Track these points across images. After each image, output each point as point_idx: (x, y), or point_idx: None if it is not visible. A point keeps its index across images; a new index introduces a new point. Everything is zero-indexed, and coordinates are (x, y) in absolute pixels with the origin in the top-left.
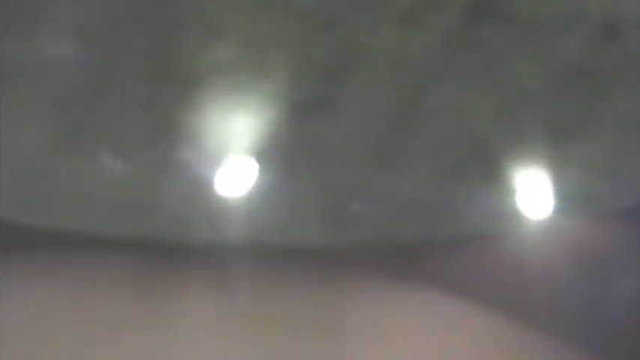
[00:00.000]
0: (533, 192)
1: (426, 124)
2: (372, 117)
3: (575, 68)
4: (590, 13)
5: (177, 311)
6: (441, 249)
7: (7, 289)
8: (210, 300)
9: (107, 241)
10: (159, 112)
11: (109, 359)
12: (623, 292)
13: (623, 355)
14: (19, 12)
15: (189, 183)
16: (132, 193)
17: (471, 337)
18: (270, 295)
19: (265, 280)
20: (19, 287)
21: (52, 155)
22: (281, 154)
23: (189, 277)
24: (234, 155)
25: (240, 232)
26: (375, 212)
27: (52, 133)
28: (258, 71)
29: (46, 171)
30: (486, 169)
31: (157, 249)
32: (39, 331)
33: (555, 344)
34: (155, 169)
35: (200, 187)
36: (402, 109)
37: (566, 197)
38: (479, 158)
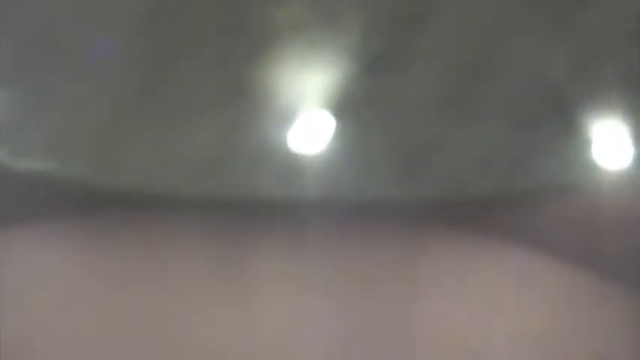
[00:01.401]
0: (610, 143)
1: (501, 76)
2: (444, 70)
3: None
4: None
5: (253, 267)
6: (517, 203)
7: (87, 248)
8: (285, 256)
9: (183, 200)
10: (232, 70)
11: (186, 313)
12: None
13: None
14: None
15: (264, 141)
16: (207, 152)
17: (546, 292)
18: (344, 250)
19: (340, 236)
20: (99, 246)
21: (126, 114)
22: (354, 110)
23: (264, 233)
24: (307, 112)
25: (315, 188)
26: (450, 166)
27: (126, 92)
28: (330, 27)
29: (121, 130)
30: (563, 120)
31: (233, 207)
32: (119, 287)
33: (632, 298)
34: (229, 128)
35: (274, 145)
36: (476, 62)
37: None
38: (555, 109)
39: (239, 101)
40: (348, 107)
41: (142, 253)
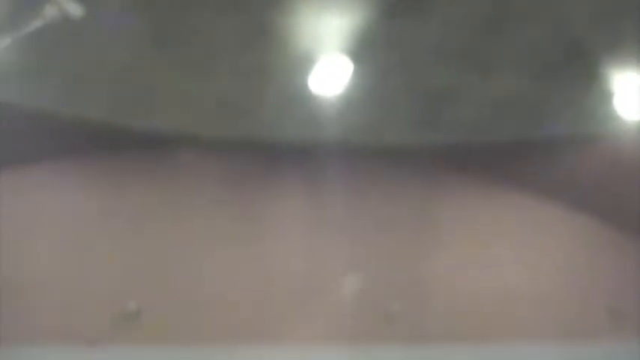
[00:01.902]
0: (630, 94)
1: (521, 24)
2: (464, 17)
3: None
4: None
5: (270, 208)
6: (535, 151)
7: (104, 187)
8: (303, 198)
9: (203, 141)
10: (251, 13)
11: (202, 251)
12: None
13: None
14: None
15: (283, 84)
16: (227, 95)
17: (561, 242)
18: (362, 194)
19: (357, 179)
20: (116, 186)
21: (146, 58)
22: (374, 54)
23: (283, 175)
24: (326, 56)
25: (333, 131)
26: (468, 114)
27: (146, 35)
28: None
29: (141, 74)
30: (582, 70)
31: (252, 149)
32: (135, 226)
33: None
34: (249, 71)
35: (293, 88)
36: (496, 8)
37: None
38: (575, 59)
39: (259, 45)
40: (368, 51)
41: (159, 193)
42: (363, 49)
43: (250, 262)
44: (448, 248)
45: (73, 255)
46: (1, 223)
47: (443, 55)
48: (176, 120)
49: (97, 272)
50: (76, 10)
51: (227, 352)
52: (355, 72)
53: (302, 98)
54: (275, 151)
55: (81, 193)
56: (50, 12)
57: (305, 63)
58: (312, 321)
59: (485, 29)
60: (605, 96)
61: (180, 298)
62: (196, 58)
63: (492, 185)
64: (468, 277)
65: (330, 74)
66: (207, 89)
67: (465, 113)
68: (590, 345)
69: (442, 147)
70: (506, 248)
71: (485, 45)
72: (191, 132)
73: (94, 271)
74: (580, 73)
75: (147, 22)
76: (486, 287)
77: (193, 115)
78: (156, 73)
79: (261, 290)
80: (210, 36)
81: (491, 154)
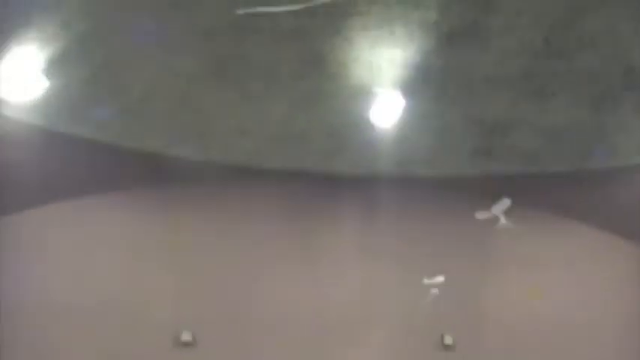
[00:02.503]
0: None
1: (578, 51)
2: (521, 44)
3: None
4: None
5: (327, 239)
6: (591, 181)
7: (160, 216)
8: (359, 228)
9: (259, 172)
10: (307, 43)
11: (262, 281)
12: None
13: None
14: None
15: (339, 114)
16: (282, 125)
17: (619, 270)
18: (418, 224)
19: (413, 210)
20: (174, 217)
21: (203, 87)
22: (430, 85)
23: (339, 205)
24: (383, 86)
25: (389, 162)
26: (525, 143)
27: (203, 64)
28: (406, 1)
29: (198, 103)
30: (639, 100)
31: (308, 179)
32: (193, 254)
33: None
34: (305, 101)
35: (350, 119)
36: (553, 36)
37: None
38: (631, 89)
39: (315, 75)
40: (424, 81)
41: (215, 223)
42: (419, 80)
43: (306, 291)
44: (504, 279)
45: (130, 284)
46: (61, 251)
47: (499, 84)
48: (233, 150)
49: (153, 301)
50: None
51: None
52: (411, 103)
53: (358, 129)
54: (331, 181)
55: (138, 224)
56: None
57: (361, 93)
58: (368, 350)
59: (541, 57)
60: None
61: (235, 327)
62: (254, 87)
63: (549, 215)
64: (523, 308)
65: (386, 105)
66: (264, 119)
67: (521, 142)
68: None
69: (498, 177)
70: (562, 279)
71: (541, 73)
72: (247, 162)
73: (150, 299)
74: (637, 102)
75: (205, 51)
76: (542, 318)
77: (250, 146)
78: (213, 103)
79: (316, 319)
80: (267, 66)
81: (548, 183)
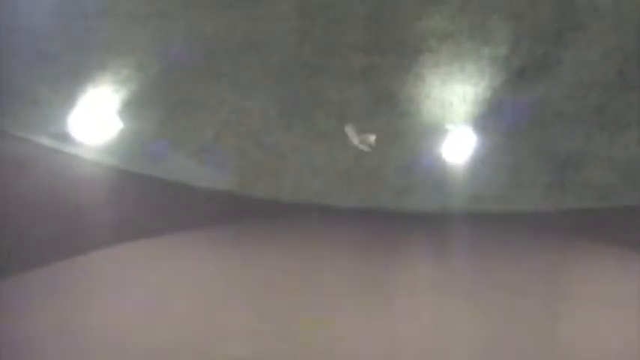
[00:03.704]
0: None
1: None
2: (593, 77)
3: None
4: None
5: (398, 276)
6: None
7: (234, 256)
8: (431, 266)
9: (332, 209)
10: (378, 81)
11: (331, 321)
12: None
13: None
14: None
15: (410, 151)
16: (355, 162)
17: None
18: (490, 261)
19: (486, 247)
20: (246, 254)
21: (276, 126)
22: (501, 120)
23: (411, 243)
24: (454, 123)
25: (461, 199)
26: (599, 176)
27: (276, 104)
28: (476, 37)
29: (271, 142)
30: None
31: (380, 217)
32: (265, 294)
33: None
34: (377, 138)
35: (421, 156)
36: (625, 69)
37: None
38: None
39: (386, 113)
40: (495, 118)
41: (287, 262)
42: (490, 115)
43: (378, 329)
44: (579, 317)
45: (203, 323)
46: (136, 290)
47: (571, 118)
48: (304, 188)
49: (226, 339)
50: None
51: None
52: (483, 138)
53: (429, 166)
54: (402, 219)
55: (212, 263)
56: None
57: (432, 130)
58: None
59: (614, 90)
60: None
61: None
62: (325, 126)
63: (623, 251)
64: (596, 346)
65: (458, 141)
66: (336, 157)
67: (594, 177)
68: None
69: (571, 212)
70: (637, 317)
71: (613, 106)
72: (319, 200)
73: (224, 338)
74: None
75: (277, 89)
76: (616, 357)
77: (321, 183)
78: (285, 141)
79: (386, 355)
80: (338, 103)
81: (622, 218)
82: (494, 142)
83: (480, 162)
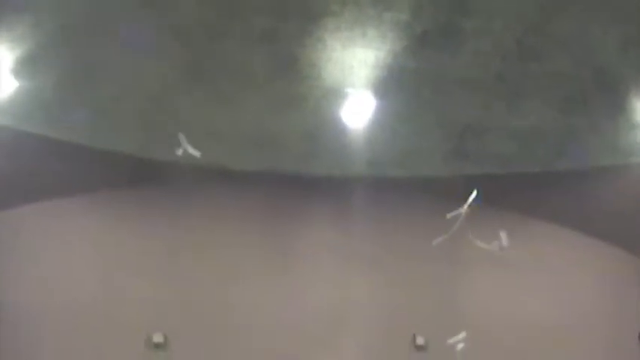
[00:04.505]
0: None
1: (550, 54)
2: (494, 46)
3: None
4: None
5: (301, 241)
6: (562, 183)
7: (131, 220)
8: (332, 230)
9: (232, 174)
10: (280, 44)
11: (233, 281)
12: None
13: None
14: None
15: (311, 116)
16: (255, 127)
17: (590, 269)
18: (389, 225)
19: (385, 211)
20: (146, 219)
21: (175, 90)
22: (402, 86)
23: (312, 208)
24: (355, 88)
25: (362, 164)
26: (498, 144)
27: (175, 67)
28: (378, 2)
29: (170, 105)
30: (611, 100)
31: (281, 181)
32: (167, 255)
33: None
34: (278, 103)
35: (322, 121)
36: (525, 39)
37: None
38: (602, 91)
39: (287, 78)
40: (397, 83)
41: (188, 225)
42: (391, 81)
43: (278, 293)
44: (477, 279)
45: (102, 285)
46: (32, 253)
47: (472, 86)
48: (206, 152)
49: (126, 302)
50: None
51: None
52: (383, 104)
53: (331, 131)
54: (304, 183)
55: (110, 226)
56: None
57: (334, 95)
58: (341, 352)
59: (514, 59)
60: (633, 128)
61: (207, 329)
62: (227, 89)
63: (520, 216)
64: (496, 308)
65: (358, 107)
66: (238, 121)
67: (493, 144)
68: None
69: (471, 179)
70: (536, 280)
71: (513, 75)
72: (220, 164)
73: (123, 301)
74: (607, 105)
75: (179, 52)
76: (515, 318)
77: (223, 147)
78: (187, 105)
79: (288, 321)
80: (242, 67)
81: (520, 185)
82: (395, 107)
83: (379, 127)
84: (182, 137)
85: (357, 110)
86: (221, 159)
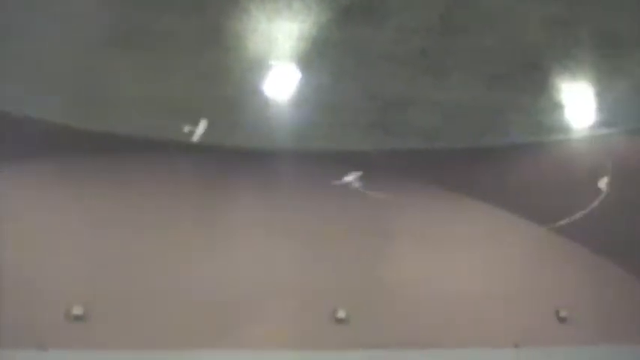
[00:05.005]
0: (581, 103)
1: (474, 30)
2: (419, 22)
3: None
4: None
5: (225, 214)
6: (486, 159)
7: (60, 190)
8: (257, 203)
9: (156, 145)
10: (205, 14)
11: (159, 255)
12: None
13: None
14: None
15: (236, 89)
16: (180, 98)
17: (513, 246)
18: (316, 199)
19: (311, 185)
20: (75, 189)
21: (101, 58)
22: (327, 60)
23: (236, 181)
24: (280, 61)
25: (286, 137)
26: (422, 119)
27: (101, 34)
28: None
29: (96, 74)
30: (535, 78)
31: (205, 154)
32: (96, 226)
33: (596, 259)
34: (203, 75)
35: (247, 93)
36: (449, 14)
37: (614, 110)
38: (528, 68)
39: (212, 49)
40: (321, 56)
41: (115, 197)
42: (316, 55)
43: (203, 266)
44: (401, 254)
45: (25, 254)
46: None
47: (396, 61)
48: (133, 122)
49: (50, 274)
50: None
51: (177, 357)
52: (309, 77)
53: (255, 103)
54: (229, 156)
55: (38, 196)
56: None
57: (258, 67)
58: (263, 324)
59: (439, 35)
60: (556, 106)
61: (131, 303)
62: (152, 59)
63: (445, 192)
64: (420, 282)
65: (283, 80)
66: (163, 91)
67: (418, 119)
68: (540, 351)
69: (396, 153)
70: (457, 254)
71: (438, 51)
72: (146, 135)
73: (44, 272)
74: (532, 81)
75: (103, 20)
76: (438, 293)
77: (148, 118)
78: (113, 74)
79: (213, 293)
80: (168, 38)
81: (444, 160)
82: (319, 80)
83: (304, 100)
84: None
85: (282, 82)
86: (146, 129)
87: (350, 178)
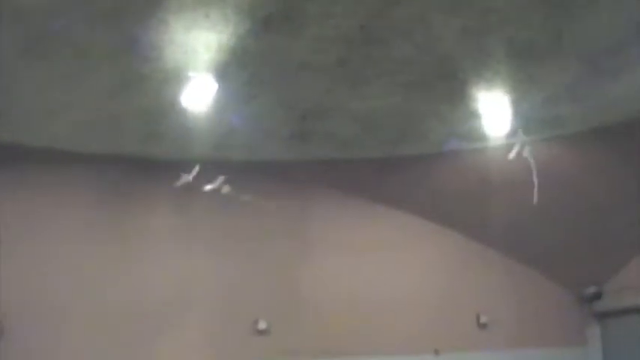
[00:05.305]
0: (497, 112)
1: (392, 40)
2: (336, 31)
3: None
4: None
5: (142, 224)
6: (403, 167)
7: None
8: (174, 213)
9: (71, 155)
10: (122, 24)
11: (72, 268)
12: (580, 211)
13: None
14: None
15: (153, 98)
16: (96, 107)
17: (431, 253)
18: (234, 209)
19: (229, 195)
20: None
21: (13, 67)
22: (245, 70)
23: (153, 191)
24: (198, 71)
25: (205, 147)
26: (340, 128)
27: (13, 44)
28: None
29: (7, 83)
30: (451, 87)
31: (122, 164)
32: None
33: (513, 262)
34: (119, 85)
35: (164, 103)
36: (367, 24)
37: (529, 118)
38: (444, 77)
39: (128, 59)
40: (239, 66)
41: (24, 208)
42: (235, 65)
43: (119, 278)
44: (321, 263)
45: None
46: None
47: (313, 71)
48: (43, 133)
49: None
50: None
51: None
52: (226, 87)
53: (173, 114)
54: (146, 167)
55: None
56: None
57: (176, 78)
58: (182, 337)
59: (356, 45)
60: (471, 115)
61: (45, 317)
62: (65, 68)
63: (364, 200)
64: (340, 291)
65: (201, 89)
66: (76, 101)
67: (336, 128)
68: (460, 356)
69: (314, 162)
70: (376, 263)
71: (356, 61)
72: (59, 146)
73: None
74: (449, 89)
75: (15, 29)
76: (358, 301)
77: (62, 129)
78: (22, 82)
79: (128, 306)
80: (83, 47)
81: (362, 169)
82: (237, 90)
83: (222, 110)
84: None
85: (200, 93)
86: (59, 140)
87: (268, 187)
